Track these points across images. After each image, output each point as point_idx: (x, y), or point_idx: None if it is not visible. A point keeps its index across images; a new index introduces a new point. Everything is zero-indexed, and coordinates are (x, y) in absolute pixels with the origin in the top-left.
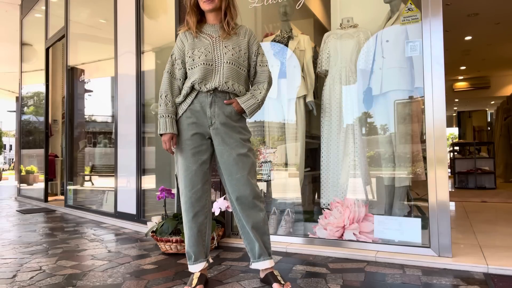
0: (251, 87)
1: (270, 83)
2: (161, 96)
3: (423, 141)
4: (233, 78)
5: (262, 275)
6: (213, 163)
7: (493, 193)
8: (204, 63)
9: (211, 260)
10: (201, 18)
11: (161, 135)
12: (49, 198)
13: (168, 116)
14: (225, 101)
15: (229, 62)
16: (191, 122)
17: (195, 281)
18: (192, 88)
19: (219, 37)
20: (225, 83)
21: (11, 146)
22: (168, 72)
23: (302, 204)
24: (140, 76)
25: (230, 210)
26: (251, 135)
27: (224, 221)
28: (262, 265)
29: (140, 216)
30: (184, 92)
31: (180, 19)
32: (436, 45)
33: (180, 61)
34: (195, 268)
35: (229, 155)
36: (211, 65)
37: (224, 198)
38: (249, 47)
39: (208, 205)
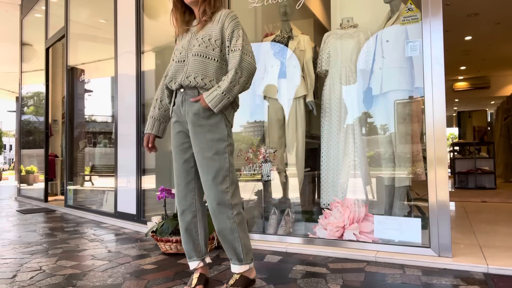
0: None
1: (243, 69)
2: (155, 100)
3: (423, 141)
4: (200, 72)
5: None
6: None
7: (493, 193)
8: (177, 61)
9: (208, 261)
10: (190, 13)
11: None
12: (49, 198)
13: (152, 117)
14: (191, 99)
15: (196, 55)
16: (174, 121)
17: (194, 281)
18: (169, 88)
19: (195, 30)
20: (186, 77)
21: (11, 146)
22: (164, 77)
23: (301, 204)
24: (140, 76)
25: None
26: (228, 133)
27: None
28: (232, 268)
29: (140, 216)
30: (166, 93)
31: None
32: (436, 45)
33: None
34: (191, 266)
35: (196, 157)
36: (183, 61)
37: None
38: (223, 33)
39: (196, 204)
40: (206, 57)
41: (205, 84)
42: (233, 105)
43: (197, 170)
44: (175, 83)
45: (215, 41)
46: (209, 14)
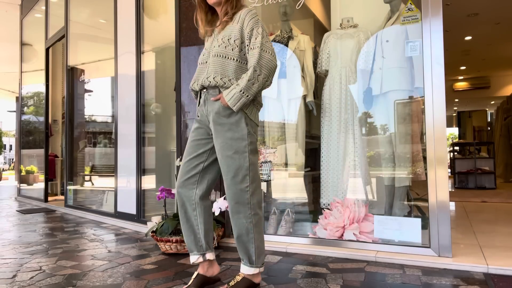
0: None
1: (262, 66)
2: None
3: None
4: (219, 72)
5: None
6: None
7: (493, 193)
8: (200, 63)
9: (210, 257)
10: (213, 13)
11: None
12: (49, 198)
13: None
14: (211, 98)
15: (215, 55)
16: (198, 119)
17: (190, 281)
18: (193, 90)
19: (217, 31)
20: (207, 78)
21: (11, 146)
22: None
23: (302, 204)
24: (140, 76)
25: None
26: (248, 131)
27: (224, 221)
28: (241, 268)
29: (140, 216)
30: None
31: (180, 19)
32: (436, 45)
33: None
34: (191, 259)
35: (218, 156)
36: (205, 63)
37: (224, 198)
38: (242, 32)
39: (196, 198)
40: (225, 57)
41: (225, 83)
42: (255, 103)
43: (206, 167)
44: (197, 84)
45: (234, 41)
46: (231, 14)
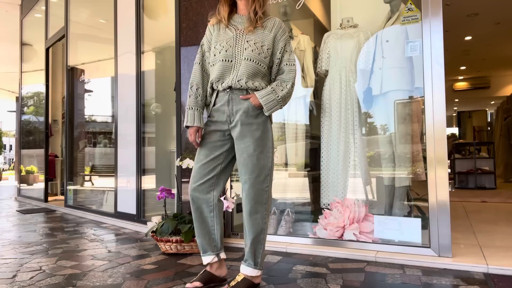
0: (273, 83)
1: (293, 84)
2: (191, 87)
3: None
4: (249, 76)
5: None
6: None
7: (493, 193)
8: (223, 60)
9: (222, 256)
10: (231, 7)
11: (187, 127)
12: (49, 198)
13: (197, 109)
14: (241, 96)
15: (248, 59)
16: (212, 120)
17: (197, 276)
18: (212, 88)
19: (244, 29)
20: (238, 81)
21: (11, 146)
22: (198, 63)
23: (302, 204)
24: (140, 76)
25: (230, 210)
26: (272, 133)
27: (224, 221)
28: (242, 269)
29: (140, 216)
30: (208, 92)
31: (180, 19)
32: (436, 45)
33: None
34: (204, 261)
35: (241, 155)
36: (230, 61)
37: (224, 198)
38: (275, 43)
39: (214, 200)
40: (257, 63)
41: (248, 86)
42: None
43: (223, 169)
44: (222, 83)
45: (267, 49)
46: (260, 15)
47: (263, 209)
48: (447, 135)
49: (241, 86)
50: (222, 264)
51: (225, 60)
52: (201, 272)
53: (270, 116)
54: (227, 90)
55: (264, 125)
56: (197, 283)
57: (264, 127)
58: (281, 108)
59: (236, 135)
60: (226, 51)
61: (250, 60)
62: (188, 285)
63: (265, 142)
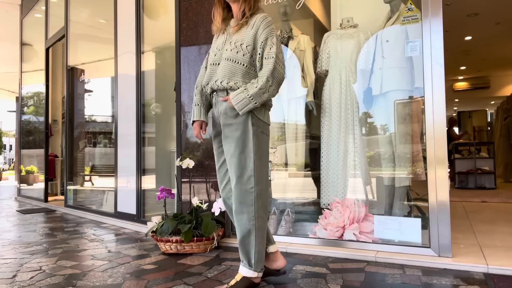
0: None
1: (274, 78)
2: (196, 88)
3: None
4: (226, 75)
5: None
6: None
7: (493, 193)
8: (211, 64)
9: (272, 250)
10: (228, 12)
11: (192, 122)
12: (49, 198)
13: (198, 104)
14: (221, 98)
15: (227, 59)
16: (213, 124)
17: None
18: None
19: (231, 31)
20: (215, 82)
21: (11, 146)
22: (204, 67)
23: (302, 204)
24: (140, 76)
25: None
26: (254, 132)
27: (224, 221)
28: (240, 268)
29: (140, 216)
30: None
31: (180, 19)
32: (436, 45)
33: None
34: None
35: (226, 156)
36: (217, 64)
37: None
38: (256, 39)
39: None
40: (235, 61)
41: (231, 87)
42: (265, 104)
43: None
44: (209, 87)
45: (246, 46)
46: (248, 15)
47: (250, 210)
48: (460, 133)
49: (220, 87)
50: (276, 256)
51: (213, 64)
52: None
53: (254, 114)
54: (213, 93)
55: (244, 125)
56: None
57: (244, 127)
58: (255, 105)
59: (222, 136)
60: (214, 55)
61: (228, 59)
62: None
63: (246, 142)
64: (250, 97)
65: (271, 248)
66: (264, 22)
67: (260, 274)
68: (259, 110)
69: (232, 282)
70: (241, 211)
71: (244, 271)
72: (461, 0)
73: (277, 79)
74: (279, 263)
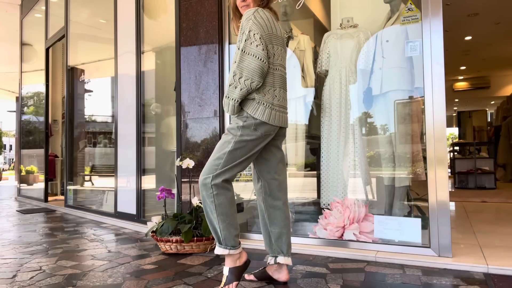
0: None
1: (243, 69)
2: None
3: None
4: (229, 79)
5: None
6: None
7: (493, 193)
8: None
9: (280, 261)
10: None
11: None
12: (49, 198)
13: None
14: None
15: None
16: None
17: (257, 270)
18: None
19: None
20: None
21: (11, 146)
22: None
23: (302, 204)
24: (140, 76)
25: None
26: (239, 128)
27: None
28: (215, 249)
29: (140, 216)
30: None
31: (180, 19)
32: (436, 45)
33: None
34: (267, 261)
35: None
36: None
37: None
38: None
39: (260, 203)
40: (235, 62)
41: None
42: (260, 102)
43: (258, 172)
44: None
45: (237, 48)
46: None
47: (208, 187)
48: (487, 129)
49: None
50: (281, 268)
51: None
52: (260, 268)
53: (247, 113)
54: None
55: (235, 120)
56: (252, 277)
57: (233, 123)
58: (235, 102)
59: None
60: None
61: (234, 62)
62: (246, 276)
63: (228, 134)
64: (226, 96)
65: (281, 260)
66: (244, 16)
67: (233, 251)
68: (252, 108)
69: (223, 279)
70: (204, 187)
71: (218, 250)
72: (461, 0)
73: (247, 69)
74: (281, 276)
